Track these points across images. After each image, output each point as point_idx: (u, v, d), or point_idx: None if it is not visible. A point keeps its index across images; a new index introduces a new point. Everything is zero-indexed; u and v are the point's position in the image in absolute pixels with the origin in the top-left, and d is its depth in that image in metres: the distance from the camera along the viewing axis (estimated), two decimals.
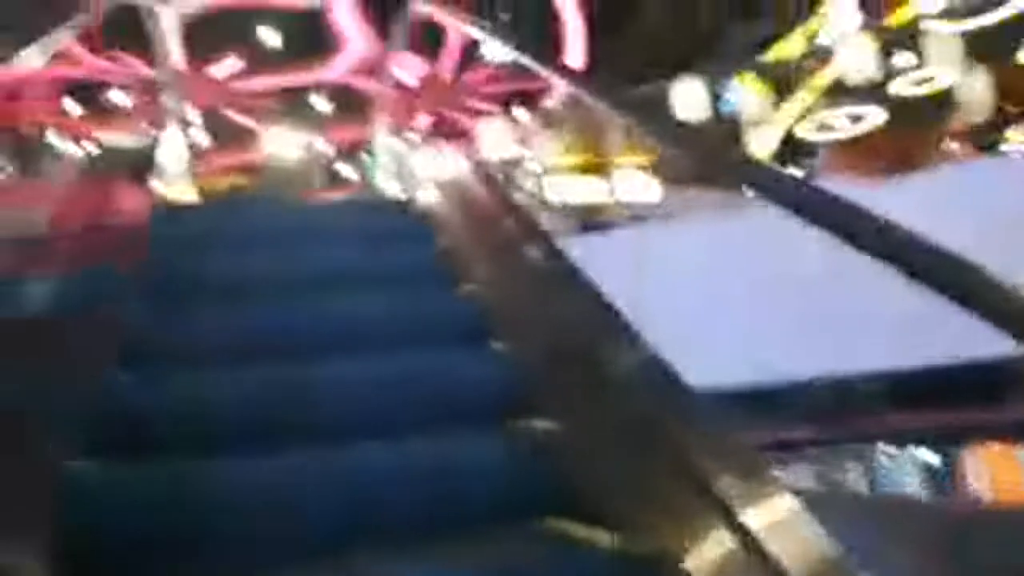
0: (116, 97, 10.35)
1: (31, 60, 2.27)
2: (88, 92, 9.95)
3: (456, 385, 1.79)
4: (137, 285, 1.98)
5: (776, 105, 8.34)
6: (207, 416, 1.61)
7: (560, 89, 10.07)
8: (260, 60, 10.07)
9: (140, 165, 3.43)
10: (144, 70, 9.79)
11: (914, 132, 8.29)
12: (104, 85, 9.85)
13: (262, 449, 1.47)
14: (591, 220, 8.21)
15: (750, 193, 1.48)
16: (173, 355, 1.80)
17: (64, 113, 10.48)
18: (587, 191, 8.56)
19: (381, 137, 4.34)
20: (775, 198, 1.37)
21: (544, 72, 2.78)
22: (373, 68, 10.36)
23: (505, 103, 12.11)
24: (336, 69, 10.24)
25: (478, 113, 11.79)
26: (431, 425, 1.63)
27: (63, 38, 2.80)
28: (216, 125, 11.64)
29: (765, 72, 8.49)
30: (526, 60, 2.65)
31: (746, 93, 8.29)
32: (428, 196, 3.01)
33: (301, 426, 1.62)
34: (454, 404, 1.72)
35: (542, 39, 9.91)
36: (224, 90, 10.51)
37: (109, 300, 1.86)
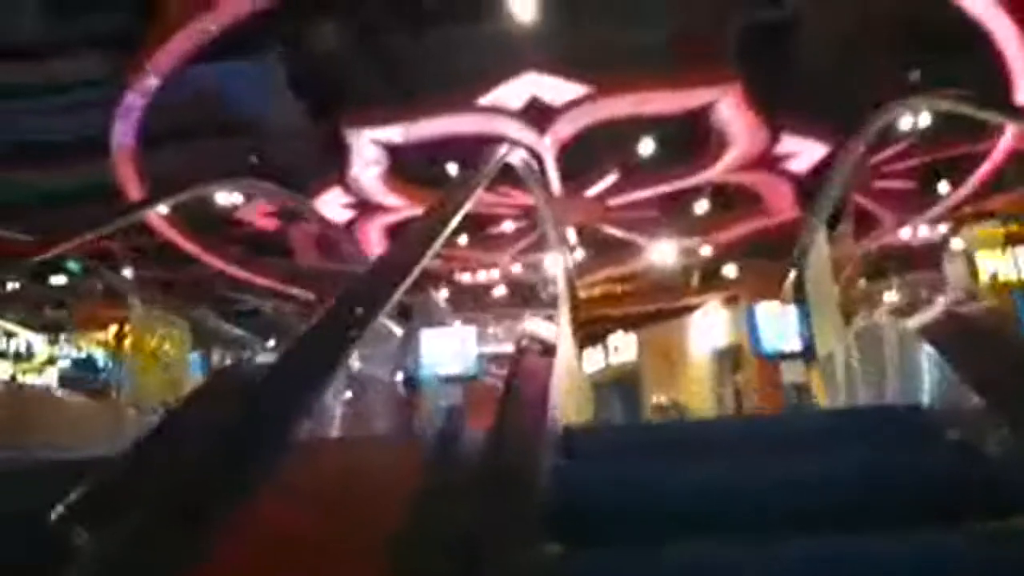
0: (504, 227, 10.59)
1: None
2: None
3: None
4: None
5: None
6: None
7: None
8: (637, 170, 9.53)
9: None
10: (524, 199, 9.81)
11: None
12: (491, 217, 10.07)
13: None
14: None
15: None
16: None
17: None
18: None
19: None
20: None
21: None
22: (759, 162, 9.29)
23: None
24: (717, 168, 9.32)
25: (889, 195, 9.98)
26: None
27: None
28: (595, 240, 11.39)
29: None
30: None
31: None
32: None
33: None
34: None
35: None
36: (601, 206, 10.17)
37: None
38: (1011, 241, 11.97)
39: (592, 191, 9.79)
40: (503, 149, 3.01)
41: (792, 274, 5.34)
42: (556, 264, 4.56)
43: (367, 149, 8.61)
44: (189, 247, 10.23)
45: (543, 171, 9.13)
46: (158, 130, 8.11)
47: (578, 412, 3.43)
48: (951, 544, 1.76)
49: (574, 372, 3.34)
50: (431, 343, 12.66)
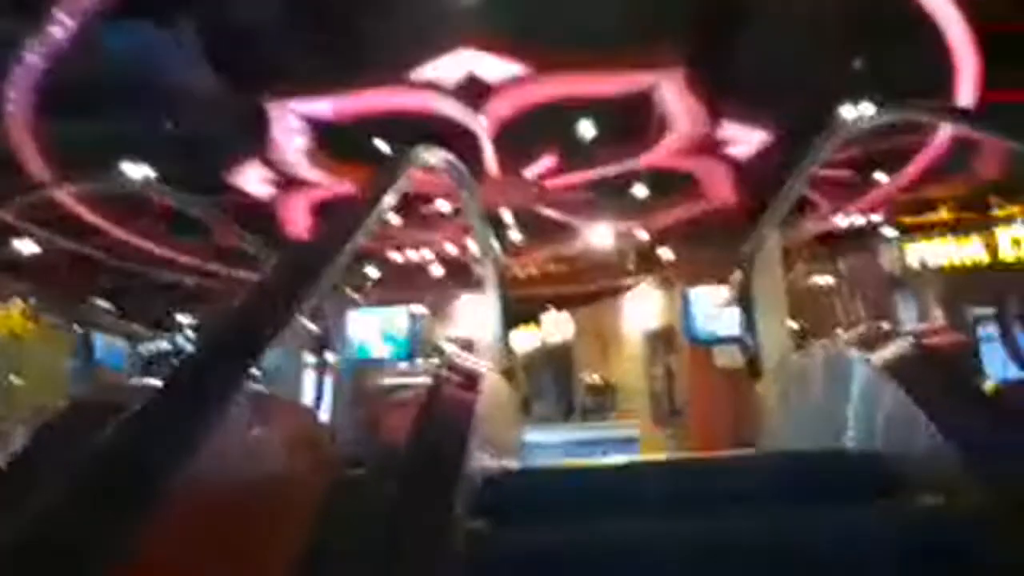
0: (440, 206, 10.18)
1: None
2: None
3: None
4: None
5: None
6: None
7: None
8: (576, 153, 9.23)
9: None
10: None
11: None
12: (424, 196, 9.64)
13: None
14: None
15: None
16: None
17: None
18: None
19: None
20: None
21: None
22: (699, 148, 9.09)
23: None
24: (658, 152, 9.08)
25: (827, 182, 9.91)
26: None
27: None
28: (531, 222, 11.09)
29: None
30: None
31: None
32: None
33: None
34: None
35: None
36: (538, 188, 9.86)
37: None
38: (940, 229, 12.21)
39: (529, 172, 9.46)
40: (420, 151, 2.61)
41: (737, 273, 5.10)
42: (485, 269, 4.19)
43: (291, 123, 8.09)
44: (96, 220, 9.55)
45: (478, 154, 8.78)
46: (61, 96, 7.42)
47: (507, 430, 3.09)
48: None
49: (502, 394, 3.00)
50: (359, 326, 12.25)
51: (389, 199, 2.27)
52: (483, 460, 2.28)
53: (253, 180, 8.97)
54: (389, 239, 10.93)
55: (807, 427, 2.88)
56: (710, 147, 9.03)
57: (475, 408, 2.25)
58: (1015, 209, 11.54)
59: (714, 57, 7.71)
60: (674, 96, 7.94)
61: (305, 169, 8.84)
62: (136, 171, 8.70)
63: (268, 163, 8.68)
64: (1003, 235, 11.83)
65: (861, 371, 2.38)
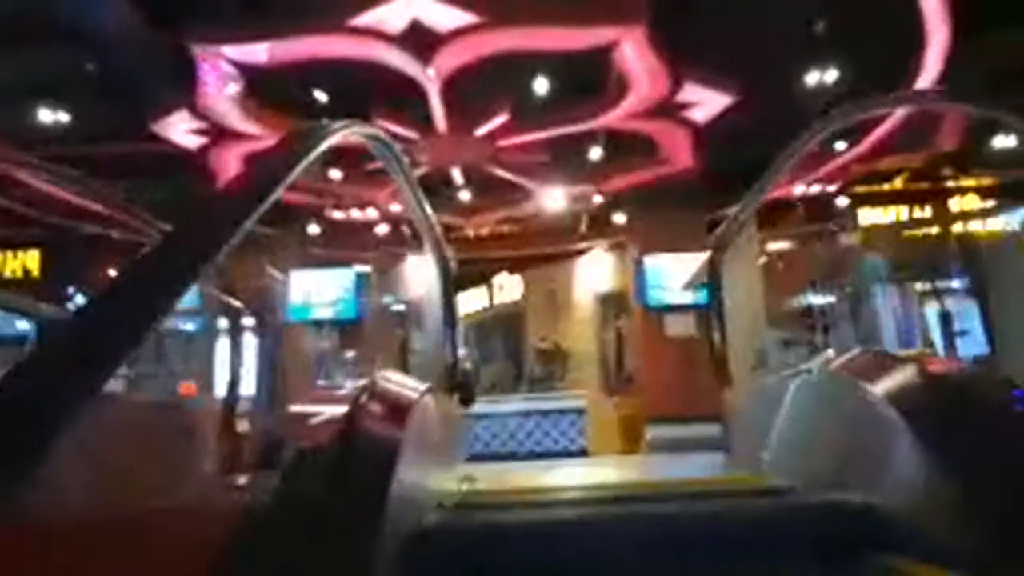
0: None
1: None
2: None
3: None
4: None
5: None
6: None
7: None
8: (530, 112, 8.78)
9: None
10: (403, 131, 8.93)
11: None
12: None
13: None
14: None
15: None
16: None
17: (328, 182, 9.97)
18: None
19: None
20: None
21: None
22: (659, 110, 8.72)
23: None
24: (616, 114, 8.69)
25: None
26: None
27: None
28: (483, 182, 10.66)
29: None
30: None
31: None
32: None
33: None
34: None
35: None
36: (491, 147, 9.40)
37: None
38: (892, 199, 12.11)
39: (481, 130, 8.99)
40: (339, 125, 2.19)
41: (707, 258, 4.71)
42: (425, 251, 3.80)
43: (223, 69, 7.47)
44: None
45: (426, 110, 8.27)
46: None
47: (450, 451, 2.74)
48: None
49: (438, 419, 2.61)
50: (302, 285, 11.71)
51: (297, 171, 1.88)
52: (405, 510, 1.91)
53: (180, 130, 8.33)
54: (332, 196, 10.40)
55: (796, 455, 2.56)
56: (670, 110, 8.66)
57: (396, 455, 1.85)
58: (969, 181, 11.46)
59: (677, 16, 7.31)
60: (635, 54, 7.52)
61: (237, 120, 8.23)
62: (53, 116, 8.02)
63: (197, 112, 8.05)
64: (954, 206, 11.80)
65: (863, 406, 2.05)
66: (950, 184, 11.70)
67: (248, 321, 5.18)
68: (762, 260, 11.80)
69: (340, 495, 1.68)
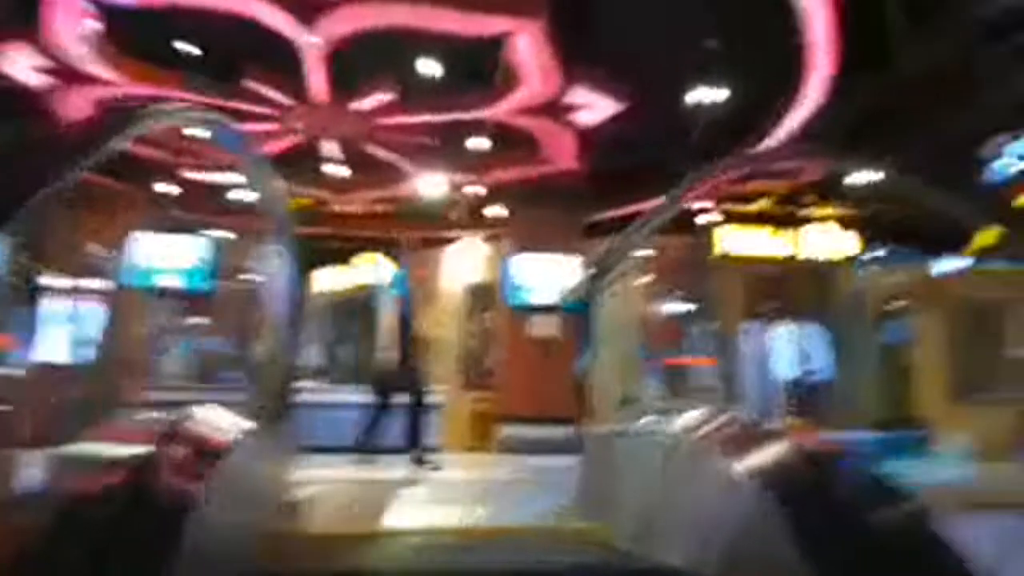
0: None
1: None
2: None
3: None
4: None
5: None
6: None
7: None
8: (416, 93, 8.41)
9: None
10: (281, 99, 8.35)
11: None
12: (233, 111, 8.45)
13: None
14: None
15: None
16: None
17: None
18: None
19: None
20: None
21: None
22: (546, 108, 8.57)
23: None
24: (504, 106, 8.47)
25: None
26: None
27: None
28: (358, 159, 10.19)
29: None
30: None
31: None
32: None
33: None
34: None
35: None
36: (370, 124, 8.95)
37: None
38: (754, 220, 12.55)
39: (362, 105, 8.52)
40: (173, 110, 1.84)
41: (586, 276, 4.53)
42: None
43: (78, 4, 6.66)
44: None
45: (301, 76, 7.76)
46: None
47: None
48: None
49: (251, 461, 2.29)
50: (147, 249, 10.79)
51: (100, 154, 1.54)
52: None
53: (22, 65, 7.38)
54: (189, 154, 9.61)
55: (647, 523, 2.40)
56: (557, 110, 8.53)
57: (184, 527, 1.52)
58: (828, 210, 12.03)
59: (574, 17, 7.17)
60: (529, 49, 7.30)
61: (89, 62, 7.38)
62: None
63: (42, 48, 7.15)
64: (810, 233, 12.36)
65: (724, 479, 1.91)
66: (810, 212, 12.25)
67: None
68: (644, 280, 11.90)
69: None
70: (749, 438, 1.98)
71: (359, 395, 7.94)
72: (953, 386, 9.40)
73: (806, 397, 7.09)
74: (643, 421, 2.86)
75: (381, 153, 9.83)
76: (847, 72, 7.68)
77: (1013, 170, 9.77)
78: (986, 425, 8.00)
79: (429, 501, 4.45)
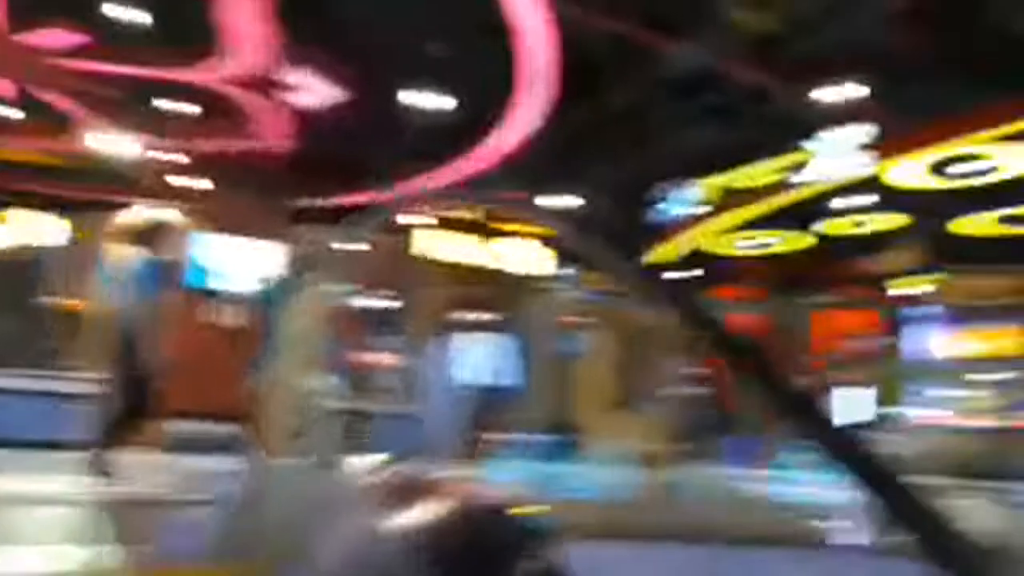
0: None
1: None
2: None
3: None
4: None
5: None
6: None
7: None
8: (111, 40, 7.50)
9: None
10: None
11: None
12: None
13: None
14: None
15: None
16: None
17: None
18: None
19: None
20: None
21: None
22: (261, 83, 8.14)
23: None
24: (210, 72, 7.88)
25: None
26: None
27: None
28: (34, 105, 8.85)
29: None
30: None
31: None
32: None
33: None
34: None
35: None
36: (50, 65, 7.81)
37: None
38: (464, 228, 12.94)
39: (42, 42, 7.40)
40: None
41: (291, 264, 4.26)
42: None
43: None
44: None
45: None
46: None
47: None
48: None
49: None
50: None
51: None
52: None
53: None
54: None
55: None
56: (271, 86, 8.12)
57: None
58: (529, 227, 12.77)
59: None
60: (243, 15, 6.86)
61: None
62: None
63: None
64: (498, 245, 13.05)
65: (371, 533, 1.86)
66: (516, 228, 12.92)
67: None
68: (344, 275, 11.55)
69: None
70: (406, 491, 1.94)
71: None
72: (605, 397, 10.46)
73: (493, 403, 7.40)
74: (309, 462, 2.72)
75: (60, 100, 8.62)
76: (561, 100, 8.20)
77: (673, 214, 11.18)
78: (623, 432, 8.94)
79: None
